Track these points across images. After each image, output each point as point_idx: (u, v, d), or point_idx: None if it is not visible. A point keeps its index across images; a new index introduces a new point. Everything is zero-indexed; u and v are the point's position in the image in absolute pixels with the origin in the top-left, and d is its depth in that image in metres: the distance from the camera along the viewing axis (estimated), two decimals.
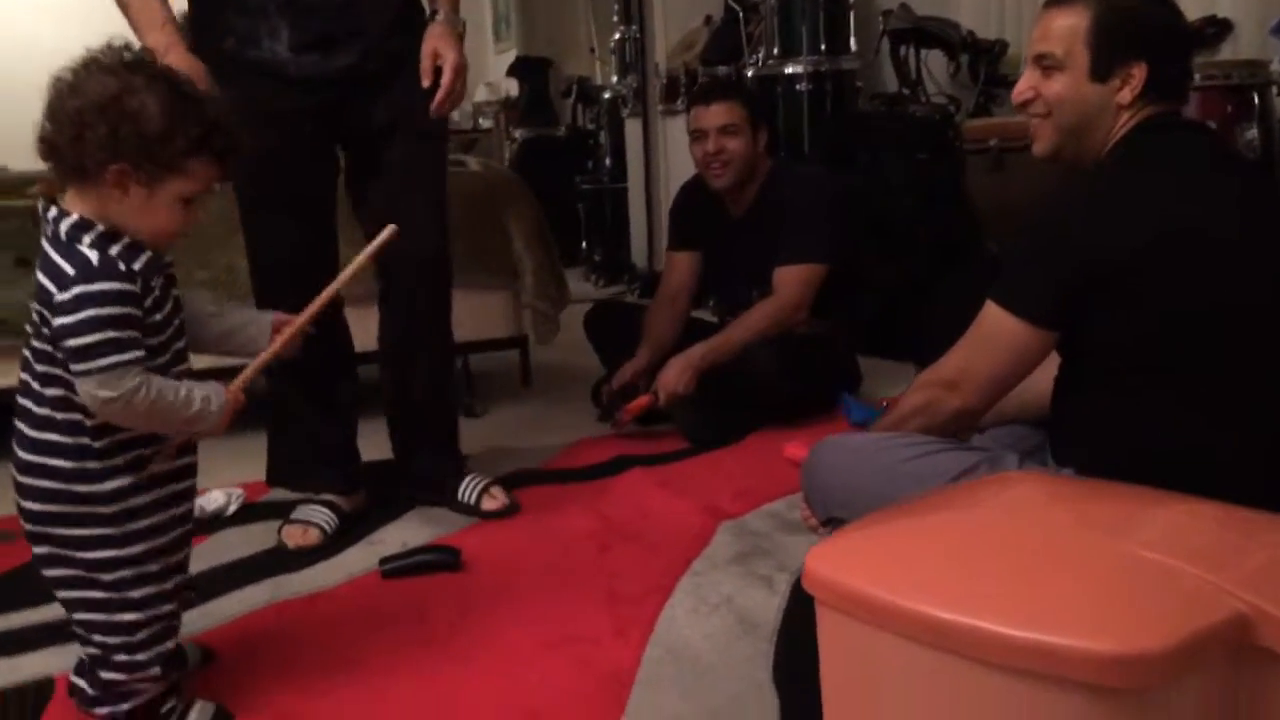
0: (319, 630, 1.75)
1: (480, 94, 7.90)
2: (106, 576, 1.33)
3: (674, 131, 4.74)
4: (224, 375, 1.44)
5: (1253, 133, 2.65)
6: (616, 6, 5.54)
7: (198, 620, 1.76)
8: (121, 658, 1.36)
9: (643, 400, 2.70)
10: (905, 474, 1.61)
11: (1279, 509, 1.14)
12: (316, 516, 2.13)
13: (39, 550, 1.35)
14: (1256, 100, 2.69)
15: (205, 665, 1.62)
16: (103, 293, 1.24)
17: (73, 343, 1.24)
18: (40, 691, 1.57)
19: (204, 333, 1.46)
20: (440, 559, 1.95)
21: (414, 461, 2.29)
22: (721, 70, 4.36)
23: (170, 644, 1.40)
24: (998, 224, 3.06)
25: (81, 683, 1.42)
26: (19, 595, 1.88)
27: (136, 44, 1.33)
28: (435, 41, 1.98)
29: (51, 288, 1.25)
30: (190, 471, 1.44)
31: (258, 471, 2.27)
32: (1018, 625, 0.84)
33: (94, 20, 1.85)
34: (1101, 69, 1.52)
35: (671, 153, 4.96)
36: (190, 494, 1.45)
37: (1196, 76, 2.61)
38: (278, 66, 1.97)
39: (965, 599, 0.88)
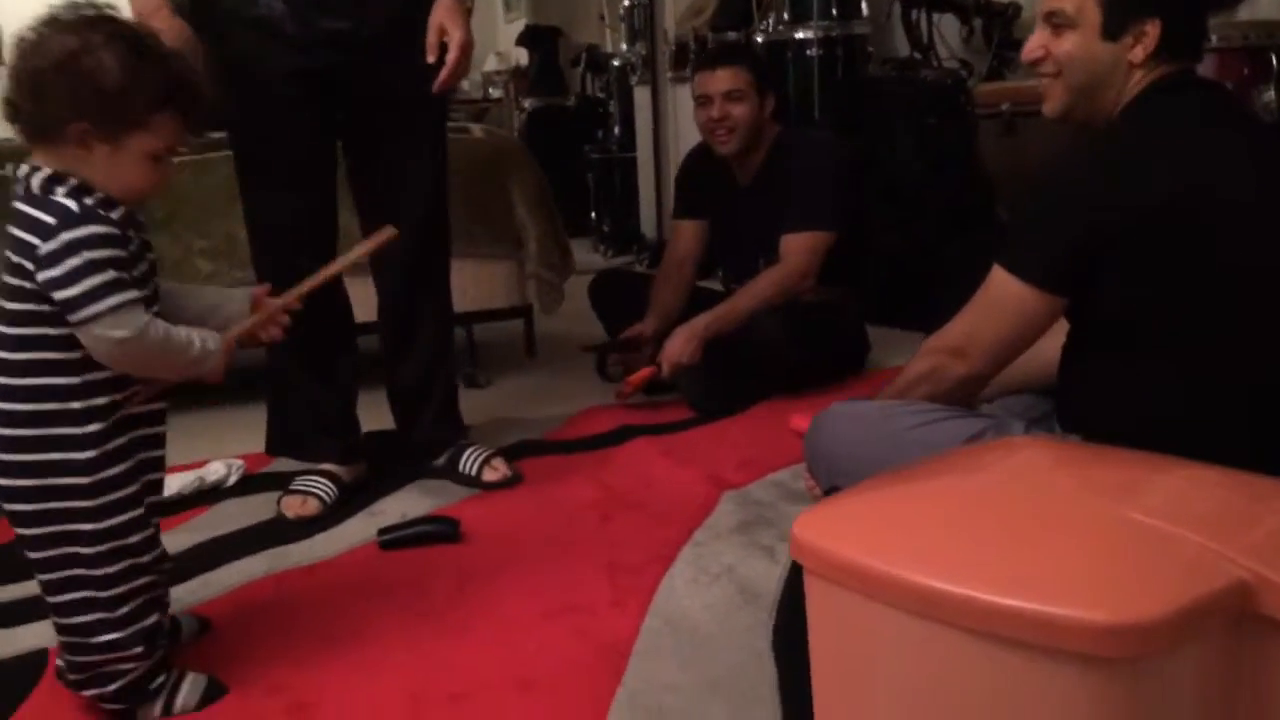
0: (316, 601, 1.73)
1: (490, 63, 7.84)
2: (86, 550, 1.31)
3: (683, 99, 4.68)
4: None
5: (1270, 95, 2.59)
6: None
7: (196, 591, 1.76)
8: (103, 638, 1.34)
9: (646, 371, 2.67)
10: (909, 442, 1.57)
11: None
12: (316, 487, 2.12)
13: (19, 531, 1.33)
14: (1275, 62, 2.62)
15: (201, 636, 1.61)
16: (91, 235, 1.24)
17: (71, 291, 1.22)
18: (35, 663, 1.56)
19: (181, 310, 1.43)
20: (439, 530, 1.93)
21: (415, 430, 2.27)
22: (731, 36, 4.29)
23: (151, 620, 1.38)
24: (1010, 189, 3.01)
25: (61, 662, 1.40)
26: (13, 567, 1.87)
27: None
28: (442, 16, 1.95)
29: (34, 240, 1.24)
30: (159, 442, 1.42)
31: (258, 443, 2.26)
32: (1008, 593, 0.81)
33: None
34: (1113, 26, 1.47)
35: (681, 121, 4.90)
36: (161, 464, 1.43)
37: (1213, 38, 2.55)
38: (275, 23, 1.94)
39: (956, 567, 0.85)
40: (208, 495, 2.22)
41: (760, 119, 2.80)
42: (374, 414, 2.32)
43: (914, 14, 3.75)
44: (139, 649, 1.36)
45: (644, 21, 5.25)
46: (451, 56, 1.94)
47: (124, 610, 1.34)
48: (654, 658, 1.49)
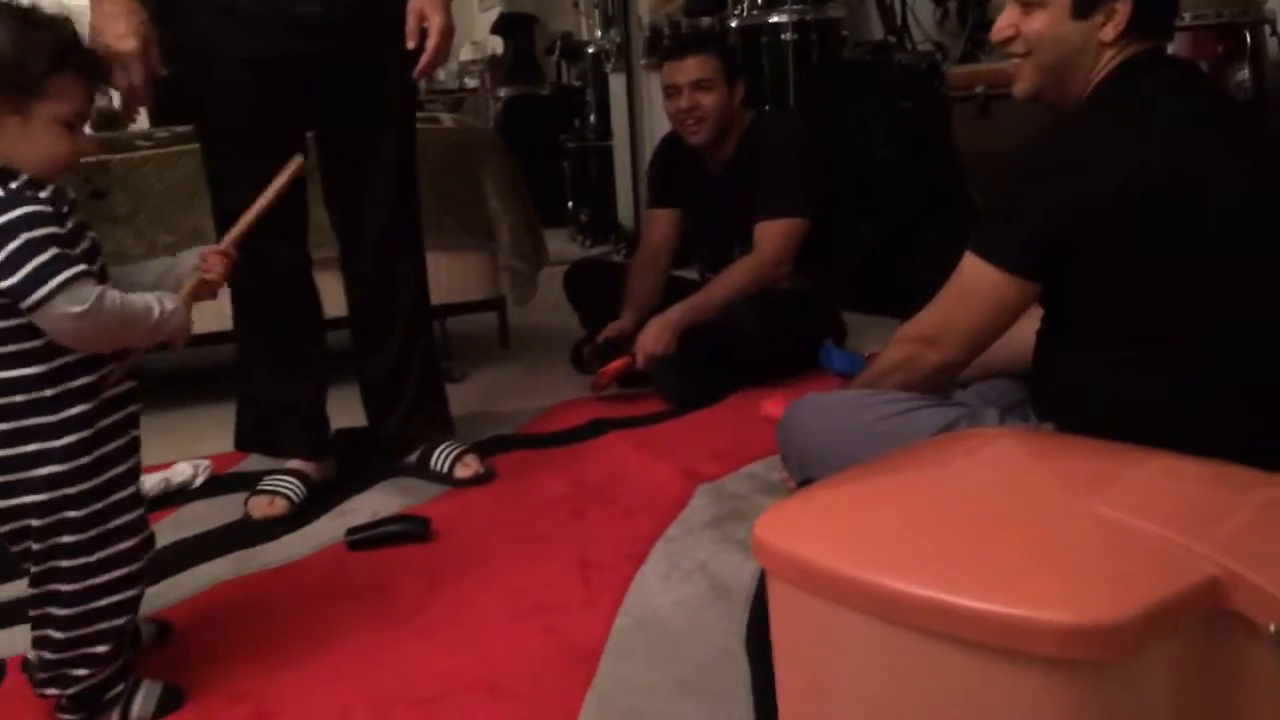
0: (282, 604, 1.70)
1: (465, 53, 7.77)
2: (68, 539, 1.29)
3: (659, 86, 4.62)
4: None
5: (1244, 73, 2.57)
6: None
7: (160, 596, 1.72)
8: (72, 633, 1.31)
9: (620, 362, 2.64)
10: (882, 432, 1.55)
11: (1263, 464, 1.08)
12: (284, 487, 2.08)
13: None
14: (1249, 39, 2.60)
15: (161, 642, 1.57)
16: (23, 217, 1.22)
17: (15, 278, 1.20)
18: None
19: (134, 288, 1.40)
20: (409, 529, 1.90)
21: (386, 426, 2.23)
22: (705, 21, 4.25)
23: (121, 620, 1.35)
24: (984, 173, 2.98)
25: (32, 657, 1.36)
26: None
27: None
28: (422, 2, 1.91)
29: None
30: (134, 421, 1.39)
31: (226, 443, 2.22)
32: (971, 594, 0.78)
33: None
34: (1084, 4, 1.45)
35: (656, 108, 4.84)
36: (137, 445, 1.40)
37: (1186, 16, 2.53)
38: (237, 9, 1.90)
39: (919, 567, 0.82)
40: (174, 497, 2.18)
41: (730, 107, 2.76)
42: (345, 412, 2.28)
43: None
44: (103, 647, 1.33)
45: (618, 8, 5.20)
46: (431, 42, 1.92)
47: (100, 603, 1.32)
48: (625, 657, 1.46)
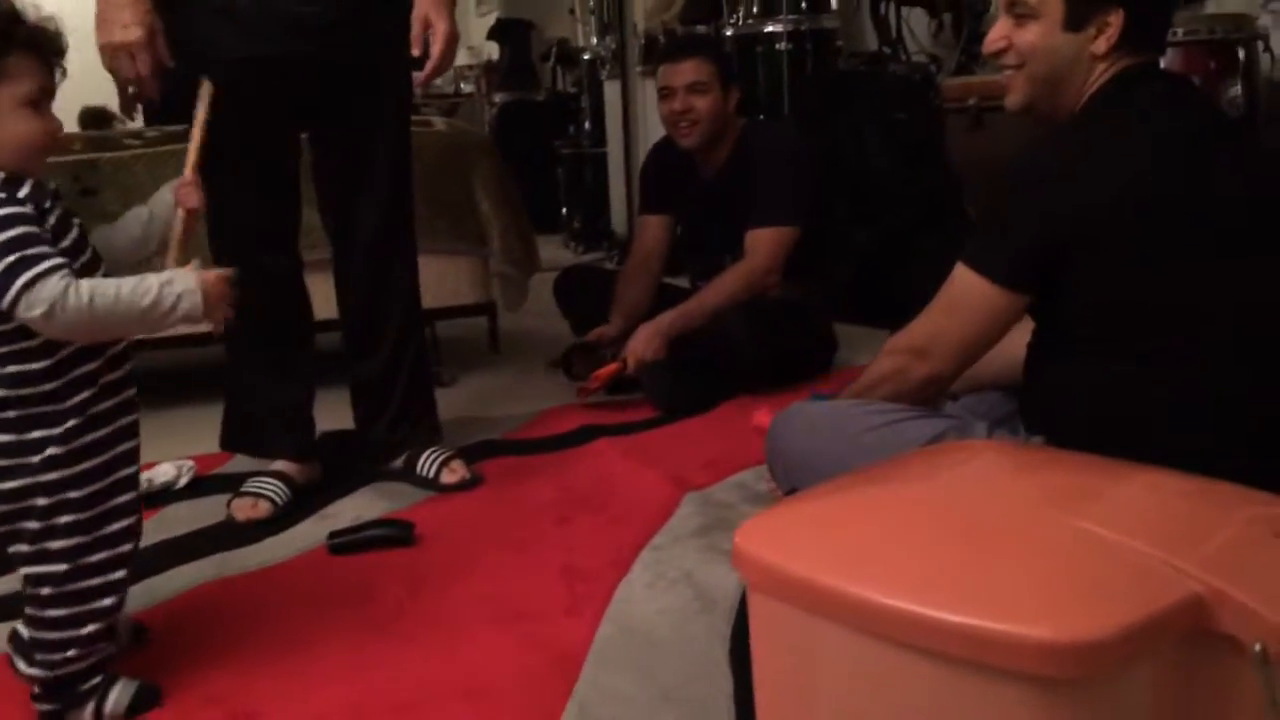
0: (261, 607, 1.68)
1: (461, 58, 7.75)
2: (67, 518, 1.30)
3: (653, 93, 4.61)
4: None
5: (1236, 90, 2.57)
6: None
7: (140, 597, 1.70)
8: (58, 611, 1.31)
9: (611, 367, 2.63)
10: (869, 443, 1.54)
11: (1254, 480, 1.07)
12: (267, 489, 2.07)
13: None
14: (1241, 56, 2.60)
15: (138, 643, 1.56)
16: None
17: None
18: None
19: (117, 250, 1.43)
20: (391, 533, 1.89)
21: (373, 430, 2.22)
22: (700, 29, 4.25)
23: (110, 600, 1.35)
24: (977, 184, 2.98)
25: (25, 632, 1.36)
26: None
27: None
28: (427, 8, 1.91)
29: None
30: (133, 406, 1.40)
31: (210, 444, 2.20)
32: (950, 608, 0.77)
33: None
34: (1076, 17, 1.44)
35: (651, 115, 4.84)
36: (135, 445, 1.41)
37: (1179, 31, 2.53)
38: (233, 8, 1.88)
39: (899, 580, 0.81)
40: (156, 498, 2.16)
41: (724, 112, 2.76)
42: (332, 415, 2.26)
43: (883, 8, 3.72)
44: (90, 627, 1.33)
45: (613, 15, 5.20)
46: (435, 49, 1.91)
47: (90, 583, 1.32)
48: (607, 666, 1.45)
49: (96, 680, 1.37)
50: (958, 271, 1.50)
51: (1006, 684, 0.74)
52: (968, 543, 0.88)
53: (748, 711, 1.27)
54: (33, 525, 1.30)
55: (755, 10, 3.83)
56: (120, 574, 1.37)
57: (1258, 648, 0.79)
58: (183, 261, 1.40)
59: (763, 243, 2.69)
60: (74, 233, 1.32)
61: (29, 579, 1.33)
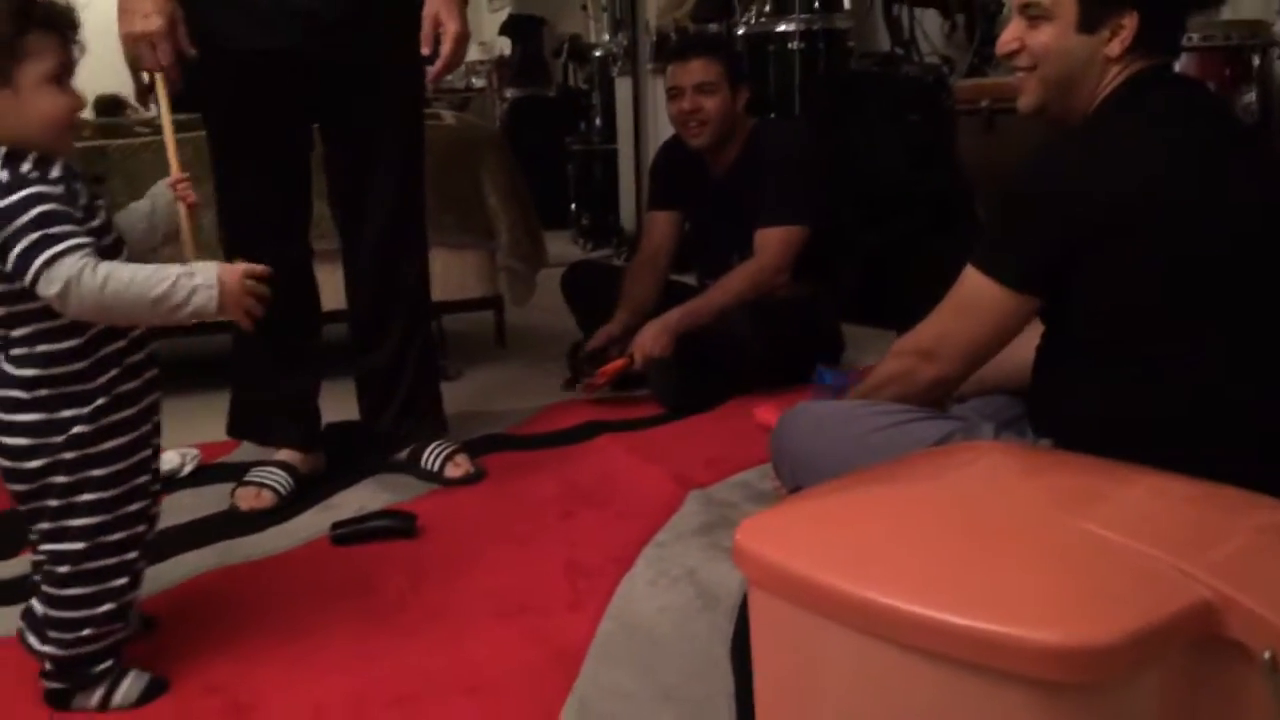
0: (264, 597, 1.68)
1: (473, 53, 7.76)
2: (88, 496, 1.31)
3: (664, 91, 4.61)
4: None
5: (1251, 96, 2.55)
6: None
7: (143, 584, 1.70)
8: (74, 590, 1.33)
9: (618, 363, 2.62)
10: (875, 444, 1.53)
11: (1261, 487, 1.06)
12: (271, 479, 2.06)
13: (13, 488, 1.33)
14: (1256, 63, 2.59)
15: (145, 634, 1.55)
16: (24, 199, 1.24)
17: (9, 263, 1.23)
18: None
19: (129, 241, 1.43)
20: (394, 525, 1.88)
21: (378, 422, 2.22)
22: (712, 28, 4.24)
23: (126, 579, 1.36)
24: (989, 187, 2.97)
25: (39, 609, 1.37)
26: None
27: None
28: (437, 6, 1.91)
29: None
30: (155, 385, 1.42)
31: (216, 432, 2.20)
32: (954, 610, 0.76)
33: None
34: (1090, 19, 1.43)
35: (661, 113, 4.82)
36: (156, 409, 1.43)
37: (1194, 37, 2.52)
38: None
39: (902, 580, 0.80)
40: (161, 485, 2.15)
41: (733, 112, 2.75)
42: (338, 406, 2.26)
43: (895, 8, 3.71)
44: (107, 605, 1.34)
45: (626, 12, 5.19)
46: (446, 48, 1.92)
47: (107, 561, 1.34)
48: (607, 663, 1.45)
49: (108, 664, 1.37)
50: (967, 273, 1.49)
51: (1011, 688, 0.73)
52: (973, 544, 0.87)
53: (748, 711, 1.27)
54: (53, 503, 1.32)
55: (767, 9, 3.82)
56: (135, 554, 1.39)
57: (1267, 655, 0.78)
58: (199, 256, 1.40)
59: (771, 242, 2.68)
60: (99, 219, 1.34)
61: (48, 556, 1.34)
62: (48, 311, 1.27)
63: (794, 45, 3.74)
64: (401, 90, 2.08)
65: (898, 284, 3.15)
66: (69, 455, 1.30)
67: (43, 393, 1.29)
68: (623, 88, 5.28)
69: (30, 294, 1.25)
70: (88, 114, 3.65)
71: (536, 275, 3.14)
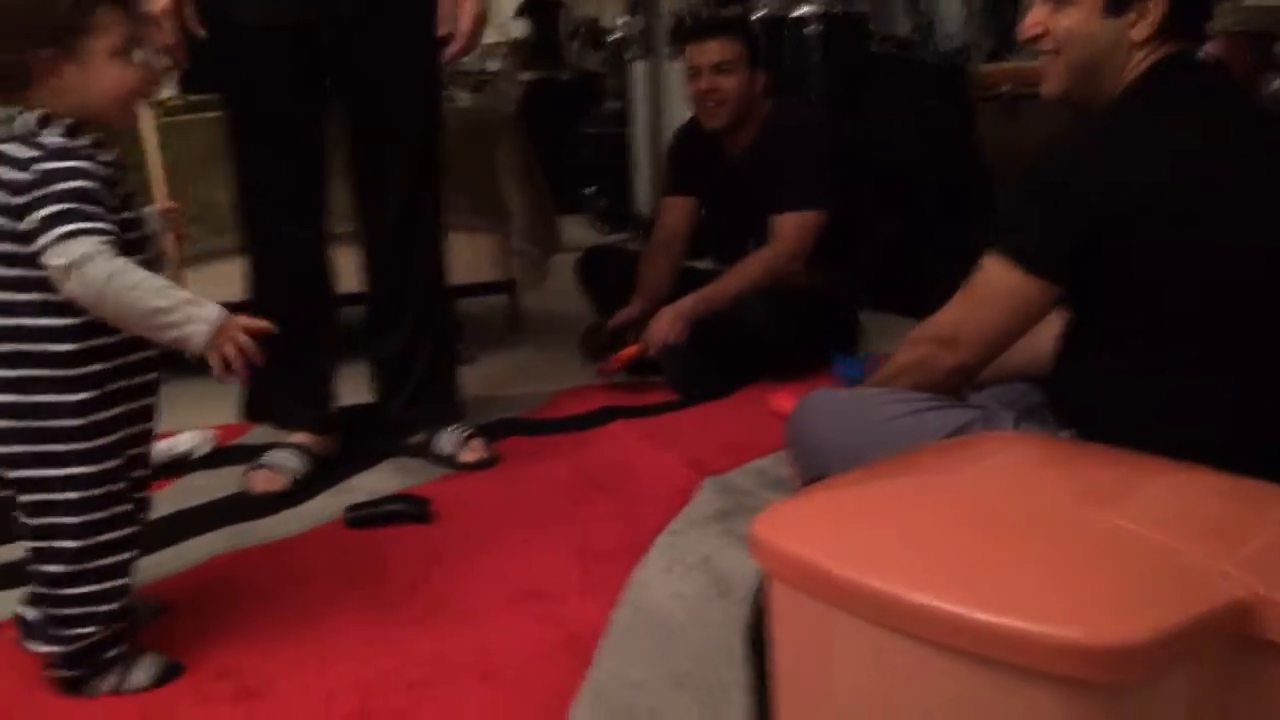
0: (276, 581, 1.68)
1: (489, 35, 7.71)
2: (71, 495, 1.30)
3: (680, 74, 4.59)
4: None
5: (1277, 83, 2.52)
6: None
7: (155, 567, 1.70)
8: (76, 589, 1.32)
9: (632, 349, 2.61)
10: (892, 433, 1.51)
11: None
12: (286, 461, 2.06)
13: (6, 474, 1.32)
14: None
15: (157, 617, 1.55)
16: (65, 169, 1.25)
17: (31, 220, 1.23)
18: None
19: None
20: (408, 509, 1.88)
21: (392, 405, 2.21)
22: (729, 11, 4.20)
23: (123, 580, 1.35)
24: (1009, 173, 2.94)
25: (30, 613, 1.37)
26: None
27: None
28: None
29: (14, 174, 1.25)
30: (152, 389, 1.41)
31: (230, 413, 2.20)
32: (978, 606, 0.74)
33: None
34: (1116, 2, 1.41)
35: (677, 97, 4.81)
36: (152, 412, 1.42)
37: (1219, 23, 2.48)
38: None
39: (924, 575, 0.79)
40: (176, 466, 2.16)
41: (750, 93, 2.72)
42: (354, 390, 2.26)
43: None
44: (110, 605, 1.33)
45: None
46: (463, 28, 1.92)
47: (104, 561, 1.32)
48: (621, 650, 1.44)
49: (119, 650, 1.37)
50: (987, 260, 1.47)
51: (1036, 686, 0.72)
52: (996, 538, 0.86)
53: (764, 701, 1.26)
54: (38, 498, 1.30)
55: None
56: (131, 553, 1.37)
57: None
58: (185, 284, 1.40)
59: (788, 227, 2.66)
60: (130, 212, 1.34)
61: (37, 555, 1.32)
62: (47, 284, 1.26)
63: (811, 29, 3.70)
64: (418, 72, 2.06)
65: (916, 271, 3.12)
66: (57, 447, 1.28)
67: (26, 372, 1.27)
68: (639, 71, 5.25)
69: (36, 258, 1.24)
70: None
71: (551, 259, 3.12)
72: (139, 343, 1.35)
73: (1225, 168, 1.33)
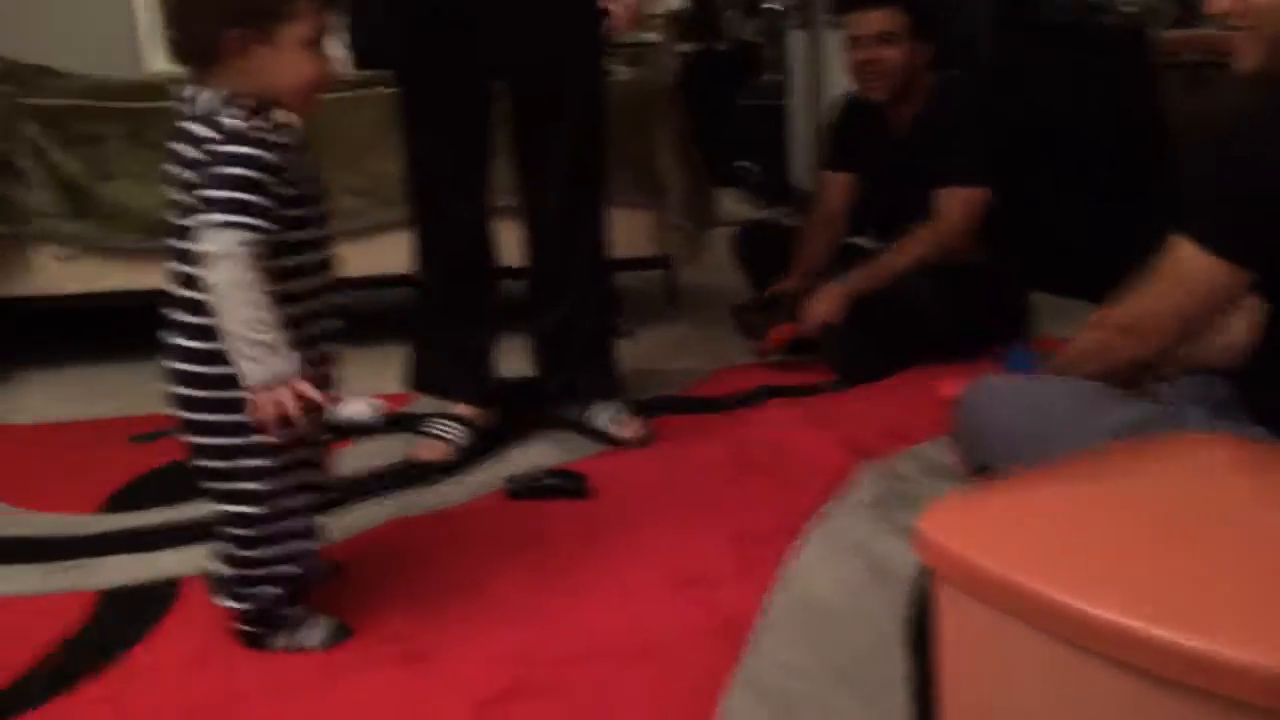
0: (441, 549, 1.73)
1: (645, 6, 7.73)
2: (257, 463, 1.35)
3: (840, 44, 4.48)
4: None
5: None
6: None
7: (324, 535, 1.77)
8: (258, 551, 1.38)
9: (789, 328, 2.57)
10: (1068, 423, 1.45)
11: None
12: (449, 432, 2.12)
13: (195, 440, 1.37)
14: None
15: (331, 578, 1.62)
16: (234, 154, 1.28)
17: (197, 198, 1.27)
18: (167, 591, 1.60)
19: None
20: (567, 484, 1.91)
21: (552, 379, 2.24)
22: None
23: (305, 544, 1.41)
24: (1196, 148, 2.77)
25: (222, 570, 1.44)
26: (158, 494, 1.94)
27: None
28: None
29: (191, 152, 1.30)
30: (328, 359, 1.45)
31: (397, 382, 2.27)
32: (1163, 623, 0.69)
33: None
34: None
35: (838, 67, 4.71)
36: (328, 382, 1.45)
37: None
38: None
39: (1104, 586, 0.74)
40: (345, 432, 2.24)
41: (915, 64, 2.63)
42: (514, 362, 2.30)
43: None
44: (293, 567, 1.40)
45: None
46: (628, 3, 1.95)
47: (288, 525, 1.38)
48: (776, 635, 1.43)
49: (295, 609, 1.44)
50: (1174, 242, 1.39)
51: (1229, 713, 0.67)
52: (1185, 549, 0.80)
53: (926, 699, 1.23)
54: (221, 464, 1.36)
55: None
56: (310, 520, 1.42)
57: None
58: None
59: (953, 203, 2.57)
60: (301, 210, 1.35)
61: (224, 518, 1.39)
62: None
63: None
64: (583, 49, 2.07)
65: (1089, 251, 2.98)
66: (237, 417, 1.32)
67: (212, 345, 1.30)
68: (797, 41, 5.16)
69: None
70: None
71: (706, 234, 3.11)
72: (317, 315, 1.39)
73: None
